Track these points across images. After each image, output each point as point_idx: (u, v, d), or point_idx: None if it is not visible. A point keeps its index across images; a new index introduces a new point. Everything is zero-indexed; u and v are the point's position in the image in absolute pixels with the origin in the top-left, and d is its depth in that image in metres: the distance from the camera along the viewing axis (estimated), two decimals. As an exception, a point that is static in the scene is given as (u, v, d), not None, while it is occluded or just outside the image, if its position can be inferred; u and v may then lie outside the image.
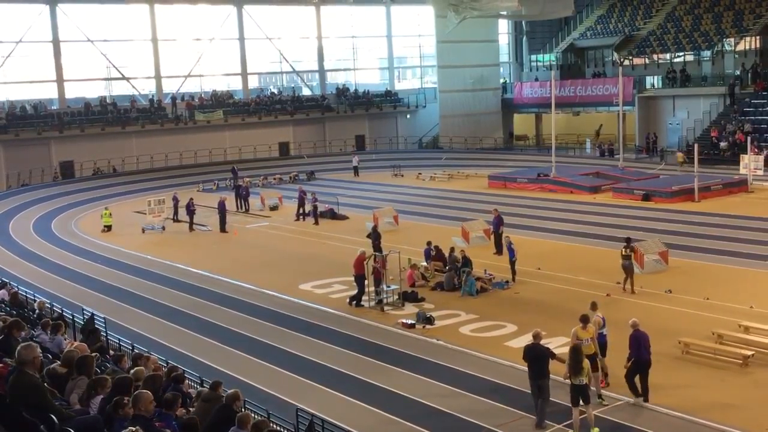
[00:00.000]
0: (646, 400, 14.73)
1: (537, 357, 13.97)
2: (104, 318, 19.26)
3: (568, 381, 13.76)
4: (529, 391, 14.27)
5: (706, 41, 55.63)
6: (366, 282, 22.35)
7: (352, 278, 22.71)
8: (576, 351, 13.94)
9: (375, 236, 27.77)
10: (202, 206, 38.75)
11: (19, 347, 8.58)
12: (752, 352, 16.62)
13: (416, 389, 15.97)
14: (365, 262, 22.43)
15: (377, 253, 24.26)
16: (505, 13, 59.86)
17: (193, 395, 11.81)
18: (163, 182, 49.13)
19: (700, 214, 34.14)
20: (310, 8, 61.42)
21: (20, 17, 51.26)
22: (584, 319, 15.03)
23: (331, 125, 60.80)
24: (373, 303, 22.31)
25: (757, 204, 35.84)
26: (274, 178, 51.18)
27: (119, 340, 17.75)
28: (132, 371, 11.07)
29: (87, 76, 55.44)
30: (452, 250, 25.46)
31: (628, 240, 23.35)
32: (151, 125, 53.44)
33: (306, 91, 64.00)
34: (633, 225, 31.60)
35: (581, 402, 13.67)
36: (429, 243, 26.75)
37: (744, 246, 27.67)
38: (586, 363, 13.99)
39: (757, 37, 53.92)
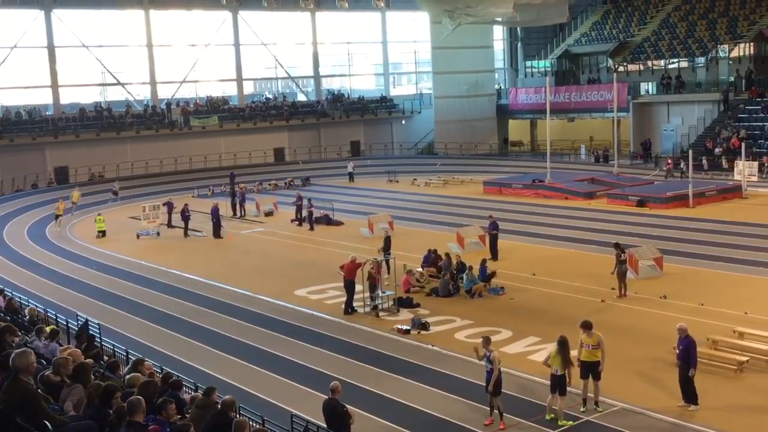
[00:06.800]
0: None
1: (334, 415, 12.50)
2: (98, 324, 19.23)
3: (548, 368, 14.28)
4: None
5: (700, 48, 55.79)
6: (358, 287, 22.32)
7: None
8: (562, 344, 14.07)
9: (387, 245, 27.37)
10: (197, 212, 38.69)
11: (14, 354, 8.53)
12: (747, 358, 16.68)
13: (411, 395, 15.96)
14: (360, 269, 22.44)
15: (374, 258, 24.19)
16: (500, 19, 60.00)
17: (188, 401, 11.77)
18: (158, 188, 49.06)
19: (694, 220, 34.23)
20: (306, 14, 61.47)
21: (15, 22, 51.20)
22: (586, 325, 14.87)
23: (327, 131, 60.79)
24: (368, 309, 22.31)
25: (752, 210, 35.90)
26: (270, 184, 51.14)
27: (113, 345, 17.73)
28: (127, 377, 11.04)
29: (82, 82, 55.46)
30: (447, 255, 25.45)
31: (617, 245, 23.31)
32: (146, 131, 53.36)
33: (301, 97, 64.03)
34: (628, 231, 31.62)
35: (557, 392, 14.10)
36: (429, 250, 26.80)
37: (738, 252, 27.73)
38: (572, 356, 14.16)
39: (751, 44, 54.11)
